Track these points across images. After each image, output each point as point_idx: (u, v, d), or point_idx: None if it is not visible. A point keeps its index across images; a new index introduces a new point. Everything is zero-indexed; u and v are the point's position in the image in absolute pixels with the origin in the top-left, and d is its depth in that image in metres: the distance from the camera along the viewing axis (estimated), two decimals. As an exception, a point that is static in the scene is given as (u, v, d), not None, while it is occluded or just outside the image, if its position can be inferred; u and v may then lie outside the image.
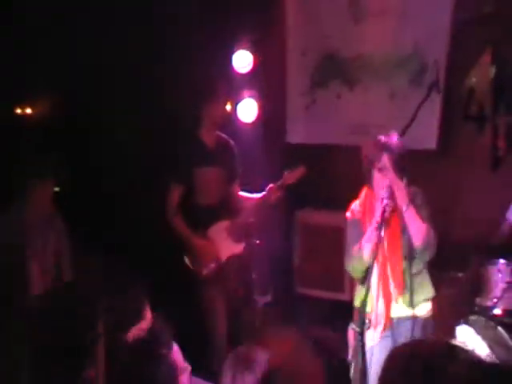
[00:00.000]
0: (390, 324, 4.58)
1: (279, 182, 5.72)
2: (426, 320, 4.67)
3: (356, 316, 4.49)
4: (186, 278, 5.80)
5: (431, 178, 6.36)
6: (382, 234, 4.38)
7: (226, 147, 5.97)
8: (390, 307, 4.57)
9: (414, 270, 4.59)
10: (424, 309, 4.69)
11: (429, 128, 6.61)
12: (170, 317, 4.15)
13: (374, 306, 4.56)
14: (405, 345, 3.41)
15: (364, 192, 4.81)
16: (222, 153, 5.94)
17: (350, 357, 4.52)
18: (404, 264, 4.57)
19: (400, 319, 4.61)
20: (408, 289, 4.56)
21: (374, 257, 4.36)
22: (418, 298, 4.61)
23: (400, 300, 4.60)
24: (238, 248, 5.89)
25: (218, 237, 5.85)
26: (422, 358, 2.81)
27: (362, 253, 4.52)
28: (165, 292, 4.79)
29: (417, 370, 2.73)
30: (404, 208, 4.47)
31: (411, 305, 4.55)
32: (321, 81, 7.40)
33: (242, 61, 6.80)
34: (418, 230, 4.48)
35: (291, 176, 5.66)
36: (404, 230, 4.55)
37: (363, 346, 4.28)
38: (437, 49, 6.80)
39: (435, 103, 6.56)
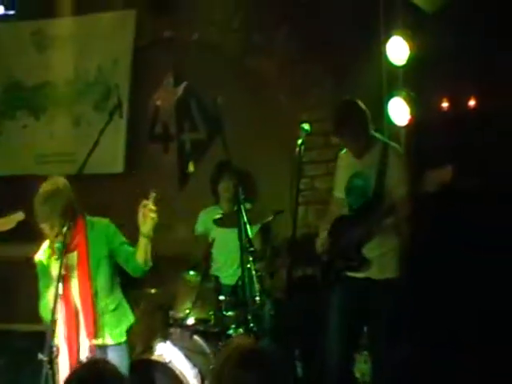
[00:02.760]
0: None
1: None
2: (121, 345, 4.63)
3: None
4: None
5: (120, 201, 6.47)
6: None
7: None
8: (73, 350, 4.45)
9: (112, 306, 4.59)
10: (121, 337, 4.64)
11: (114, 152, 6.76)
12: None
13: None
14: (82, 365, 3.49)
15: None
16: None
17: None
18: (99, 303, 4.50)
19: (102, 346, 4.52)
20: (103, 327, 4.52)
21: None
22: (116, 331, 4.58)
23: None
24: None
25: None
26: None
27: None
28: None
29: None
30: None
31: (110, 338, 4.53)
32: (8, 112, 7.29)
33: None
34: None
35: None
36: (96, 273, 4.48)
37: (53, 374, 4.23)
38: (119, 74, 6.98)
39: (120, 127, 6.72)
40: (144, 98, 7.05)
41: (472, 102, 6.11)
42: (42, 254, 4.57)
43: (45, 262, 4.53)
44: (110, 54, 7.08)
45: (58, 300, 4.29)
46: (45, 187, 4.42)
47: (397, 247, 5.02)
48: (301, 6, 6.34)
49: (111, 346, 4.56)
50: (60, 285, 4.28)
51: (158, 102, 7.10)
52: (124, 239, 4.64)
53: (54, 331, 4.28)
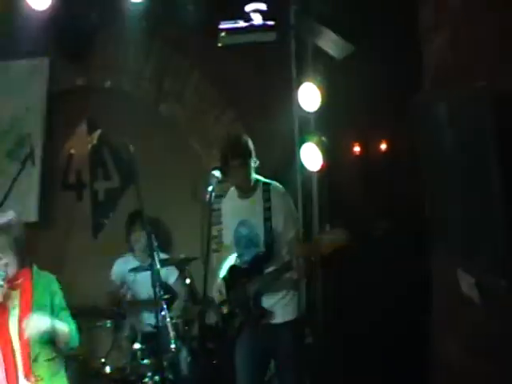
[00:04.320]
0: None
1: None
2: None
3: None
4: None
5: (35, 250, 6.36)
6: None
7: None
8: None
9: (46, 357, 4.32)
10: None
11: (28, 200, 6.67)
12: None
13: None
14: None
15: None
16: None
17: None
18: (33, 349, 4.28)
19: None
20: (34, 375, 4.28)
21: None
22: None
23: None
24: None
25: None
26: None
27: None
28: None
29: None
30: None
31: None
32: None
33: None
34: None
35: None
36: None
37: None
38: (32, 121, 6.92)
39: (33, 175, 6.67)
40: (58, 146, 7.03)
41: (383, 146, 6.26)
42: None
43: None
44: (23, 102, 7.00)
45: None
46: None
47: (294, 290, 5.03)
48: (211, 52, 6.37)
49: None
50: None
51: (72, 150, 7.09)
52: (64, 305, 4.46)
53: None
